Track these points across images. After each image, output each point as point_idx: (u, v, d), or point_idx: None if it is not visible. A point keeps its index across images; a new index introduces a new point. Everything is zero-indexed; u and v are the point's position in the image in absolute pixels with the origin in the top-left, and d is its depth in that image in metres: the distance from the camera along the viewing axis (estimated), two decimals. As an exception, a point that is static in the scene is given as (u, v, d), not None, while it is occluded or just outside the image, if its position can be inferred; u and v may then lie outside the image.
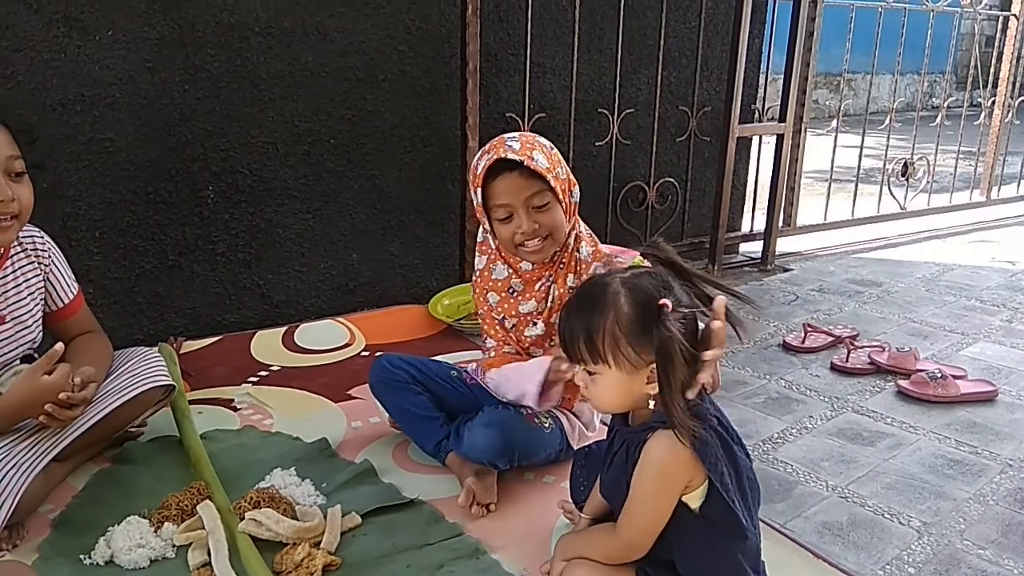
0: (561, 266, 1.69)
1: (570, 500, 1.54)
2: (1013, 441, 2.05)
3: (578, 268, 1.70)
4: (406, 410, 1.80)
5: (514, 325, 1.74)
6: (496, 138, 1.64)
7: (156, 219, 2.43)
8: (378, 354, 2.39)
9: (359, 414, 2.06)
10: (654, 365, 1.14)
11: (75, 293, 1.83)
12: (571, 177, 1.67)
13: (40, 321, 1.76)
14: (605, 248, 1.75)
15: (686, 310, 1.16)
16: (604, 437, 1.73)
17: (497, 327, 1.75)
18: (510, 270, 1.72)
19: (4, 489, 1.42)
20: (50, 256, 1.78)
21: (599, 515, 1.40)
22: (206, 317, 2.58)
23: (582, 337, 1.19)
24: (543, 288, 1.70)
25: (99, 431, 1.63)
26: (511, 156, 1.55)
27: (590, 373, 1.21)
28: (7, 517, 1.41)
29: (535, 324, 1.72)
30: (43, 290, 1.77)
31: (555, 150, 1.66)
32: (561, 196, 1.60)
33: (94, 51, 2.23)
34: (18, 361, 1.71)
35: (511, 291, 1.72)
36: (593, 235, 1.76)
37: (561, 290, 1.69)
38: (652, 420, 1.19)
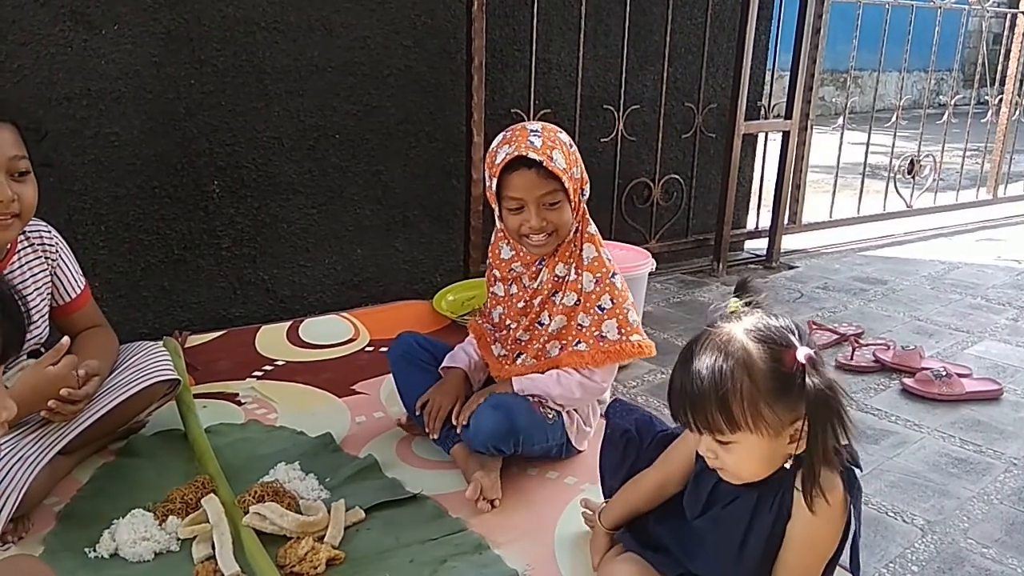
0: (555, 253, 1.72)
1: (591, 500, 1.52)
2: (1018, 440, 2.04)
3: (572, 260, 1.72)
4: (420, 393, 1.80)
5: (501, 316, 1.82)
6: (519, 126, 1.66)
7: (161, 213, 2.44)
8: (383, 350, 2.40)
9: (363, 409, 2.06)
10: (798, 423, 1.03)
11: (82, 288, 1.83)
12: (584, 176, 1.70)
13: (47, 316, 1.76)
14: (607, 250, 1.77)
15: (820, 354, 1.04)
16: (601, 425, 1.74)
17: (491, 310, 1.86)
18: (513, 252, 1.79)
19: (10, 483, 1.43)
20: (57, 251, 1.78)
21: (621, 524, 1.35)
22: (211, 311, 2.59)
23: (714, 404, 1.03)
24: (536, 270, 1.75)
25: (104, 425, 1.63)
26: (532, 155, 1.58)
27: (722, 443, 1.06)
28: (13, 510, 1.42)
29: (519, 321, 1.77)
30: (50, 285, 1.77)
31: (574, 147, 1.68)
32: (572, 196, 1.64)
33: (100, 45, 2.24)
34: (25, 356, 1.71)
35: (511, 271, 1.79)
36: (599, 238, 1.77)
37: (549, 275, 1.73)
38: (793, 469, 1.08)
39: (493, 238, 1.85)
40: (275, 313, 2.69)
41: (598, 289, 1.70)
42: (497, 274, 1.83)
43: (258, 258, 2.63)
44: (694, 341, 1.09)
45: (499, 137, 1.66)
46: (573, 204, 1.65)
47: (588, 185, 1.71)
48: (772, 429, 1.03)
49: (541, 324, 1.75)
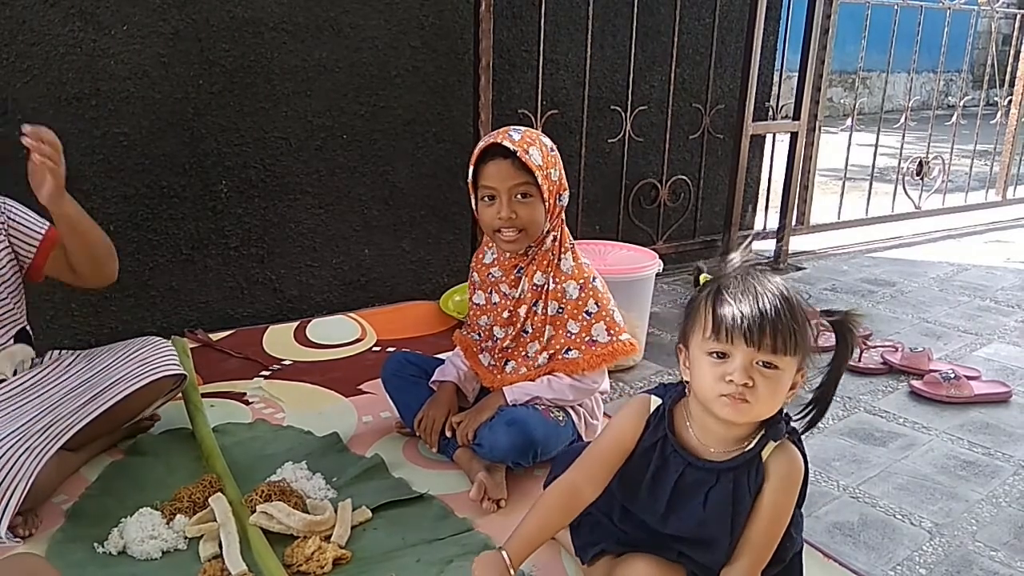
0: (533, 261, 1.73)
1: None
2: (1027, 443, 2.04)
3: (551, 270, 1.73)
4: (416, 408, 1.82)
5: (487, 324, 1.82)
6: (505, 127, 1.69)
7: (170, 213, 2.45)
8: (390, 349, 2.41)
9: (370, 409, 2.06)
10: (800, 371, 1.14)
11: (46, 227, 1.72)
12: (563, 182, 1.71)
13: (17, 292, 1.70)
14: (584, 255, 1.79)
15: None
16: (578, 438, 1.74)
17: (474, 319, 1.87)
18: (494, 256, 1.81)
19: (18, 472, 1.44)
20: (3, 212, 1.68)
21: (529, 550, 1.26)
22: (219, 311, 2.60)
23: (788, 320, 1.09)
24: (516, 277, 1.76)
25: (111, 420, 1.64)
26: (507, 144, 1.60)
27: (769, 366, 1.10)
28: (22, 500, 1.43)
29: (507, 331, 1.78)
30: (11, 253, 1.68)
31: (555, 152, 1.70)
32: (546, 195, 1.65)
33: (109, 45, 2.25)
34: (11, 341, 1.71)
35: (489, 276, 1.80)
36: (577, 248, 1.78)
37: (528, 283, 1.74)
38: (763, 437, 1.17)
39: (480, 244, 1.88)
40: (282, 313, 2.70)
41: (583, 295, 1.71)
42: (476, 278, 1.85)
43: (266, 258, 2.64)
44: (740, 279, 1.13)
45: (486, 135, 1.71)
46: (547, 205, 1.66)
47: (567, 193, 1.72)
48: (800, 362, 1.13)
49: (526, 332, 1.77)
